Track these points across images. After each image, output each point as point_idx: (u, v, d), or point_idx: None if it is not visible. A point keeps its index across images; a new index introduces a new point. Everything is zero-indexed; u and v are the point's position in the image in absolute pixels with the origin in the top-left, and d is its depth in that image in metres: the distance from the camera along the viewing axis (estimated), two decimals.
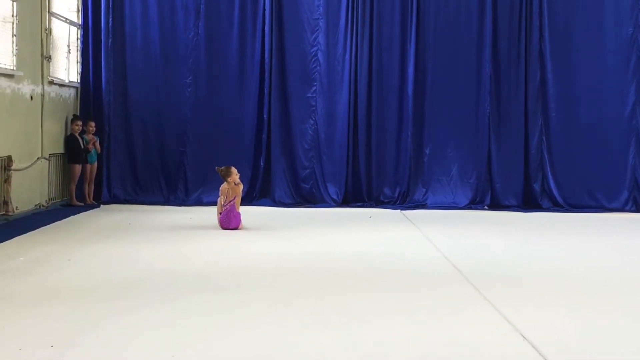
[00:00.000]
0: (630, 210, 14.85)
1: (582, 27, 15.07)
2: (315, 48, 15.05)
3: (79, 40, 14.82)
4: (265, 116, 14.97)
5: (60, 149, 13.91)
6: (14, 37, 12.03)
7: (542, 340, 5.68)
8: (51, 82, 13.45)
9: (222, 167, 11.60)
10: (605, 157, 15.04)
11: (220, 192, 11.52)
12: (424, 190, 15.12)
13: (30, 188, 12.60)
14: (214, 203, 11.95)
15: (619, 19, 15.03)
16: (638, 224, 13.37)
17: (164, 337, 5.67)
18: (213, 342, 5.57)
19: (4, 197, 11.54)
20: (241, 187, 11.59)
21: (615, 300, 7.20)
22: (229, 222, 11.27)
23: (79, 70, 14.80)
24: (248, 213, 12.34)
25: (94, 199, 14.39)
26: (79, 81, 14.77)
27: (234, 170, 11.51)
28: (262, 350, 5.41)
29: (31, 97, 12.67)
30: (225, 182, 11.47)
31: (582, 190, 15.06)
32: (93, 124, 14.34)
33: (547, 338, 5.76)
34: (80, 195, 14.14)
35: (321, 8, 15.03)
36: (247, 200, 14.24)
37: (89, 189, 14.35)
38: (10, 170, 11.59)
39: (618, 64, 15.04)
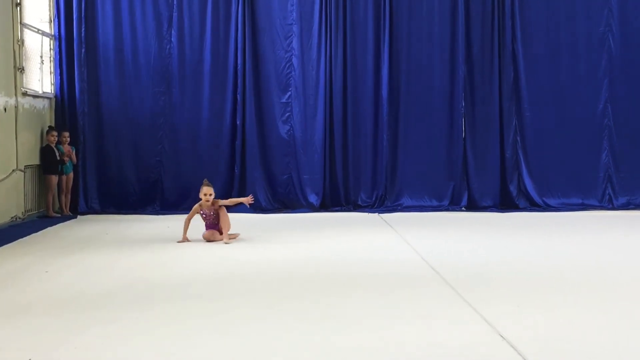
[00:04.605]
0: (605, 208, 15.00)
1: (554, 27, 15.24)
2: (290, 53, 15.06)
3: (52, 51, 14.75)
4: (238, 122, 14.94)
5: (35, 160, 13.83)
6: None
7: (521, 339, 5.71)
8: (25, 94, 13.38)
9: (208, 183, 11.27)
10: (579, 156, 15.22)
11: (194, 210, 11.26)
12: (401, 193, 15.17)
13: (6, 200, 12.52)
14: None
15: (590, 19, 15.20)
16: (613, 220, 13.51)
17: (144, 347, 5.65)
18: (194, 350, 5.56)
19: None
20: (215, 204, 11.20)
21: (594, 297, 7.25)
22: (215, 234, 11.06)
23: (54, 81, 14.73)
24: None
25: (70, 210, 14.34)
26: (52, 92, 14.70)
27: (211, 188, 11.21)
28: (245, 357, 5.41)
29: (5, 109, 12.60)
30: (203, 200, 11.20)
31: (557, 189, 15.20)
32: (67, 134, 14.29)
33: (526, 337, 5.79)
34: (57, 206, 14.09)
35: (294, 13, 15.04)
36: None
37: (66, 200, 14.29)
38: None
39: (590, 63, 15.23)
